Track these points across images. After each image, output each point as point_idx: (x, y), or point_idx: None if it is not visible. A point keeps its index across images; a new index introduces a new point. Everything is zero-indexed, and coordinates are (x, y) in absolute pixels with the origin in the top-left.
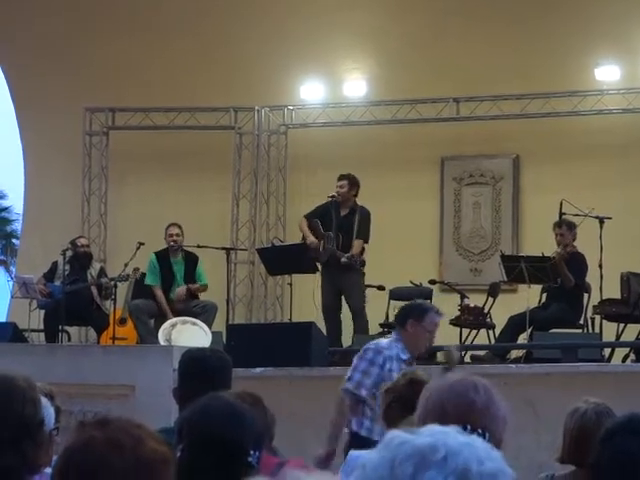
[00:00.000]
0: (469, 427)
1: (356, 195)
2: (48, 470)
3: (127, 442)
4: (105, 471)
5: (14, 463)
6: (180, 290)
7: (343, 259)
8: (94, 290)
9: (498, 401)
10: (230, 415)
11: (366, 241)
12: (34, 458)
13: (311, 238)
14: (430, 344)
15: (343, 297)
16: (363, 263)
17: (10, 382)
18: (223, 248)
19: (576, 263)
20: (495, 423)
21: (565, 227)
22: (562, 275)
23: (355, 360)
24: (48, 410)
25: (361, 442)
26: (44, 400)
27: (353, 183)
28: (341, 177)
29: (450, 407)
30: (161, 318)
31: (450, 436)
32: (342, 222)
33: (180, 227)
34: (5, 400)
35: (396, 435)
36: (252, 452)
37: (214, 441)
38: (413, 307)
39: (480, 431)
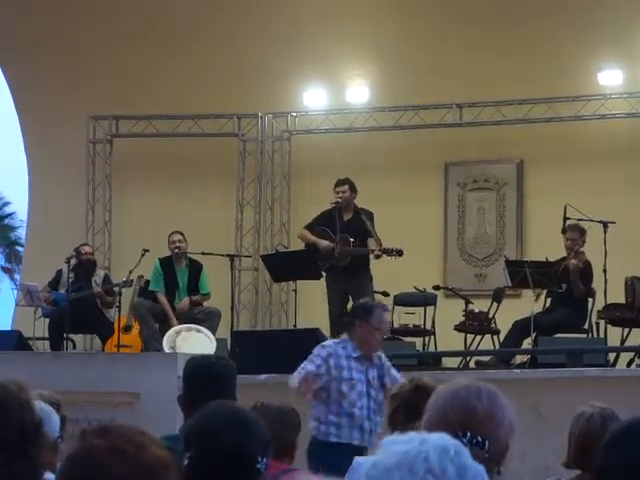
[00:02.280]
0: (469, 434)
1: (354, 198)
2: (51, 476)
3: (129, 449)
4: (108, 478)
5: (25, 469)
6: (183, 304)
7: (377, 252)
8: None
9: (503, 407)
10: (238, 422)
11: None
12: (38, 461)
13: (324, 242)
14: (382, 339)
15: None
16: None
17: (3, 389)
18: (227, 255)
19: (586, 273)
20: (499, 430)
21: (578, 232)
22: (574, 285)
23: None
24: (53, 418)
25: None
26: (49, 408)
27: (353, 187)
28: (341, 182)
29: (452, 413)
30: (165, 325)
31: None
32: (348, 226)
33: (182, 234)
34: (3, 408)
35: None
36: (260, 459)
37: (222, 448)
38: (359, 307)
39: (480, 438)
